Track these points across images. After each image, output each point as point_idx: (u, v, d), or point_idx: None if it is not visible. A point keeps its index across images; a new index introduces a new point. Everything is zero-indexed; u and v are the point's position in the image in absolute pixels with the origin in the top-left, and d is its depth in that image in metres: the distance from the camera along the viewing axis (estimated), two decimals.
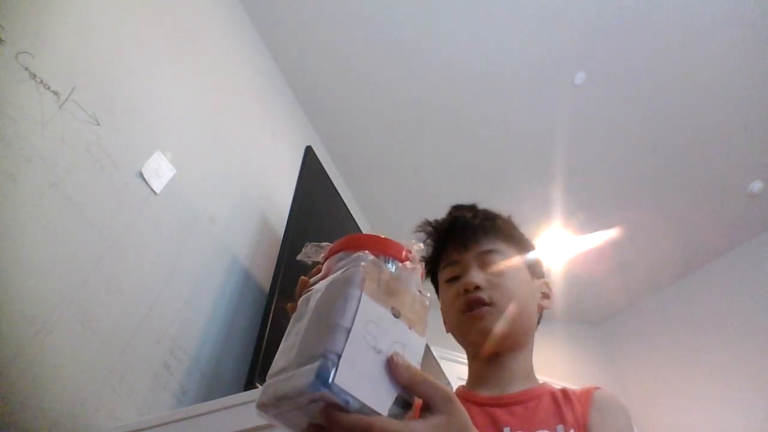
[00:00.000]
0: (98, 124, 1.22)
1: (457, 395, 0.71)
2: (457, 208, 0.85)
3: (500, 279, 0.74)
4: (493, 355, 0.73)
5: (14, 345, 0.91)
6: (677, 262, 3.23)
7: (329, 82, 2.51)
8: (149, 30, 1.54)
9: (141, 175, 1.32)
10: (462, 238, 0.79)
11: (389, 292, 0.40)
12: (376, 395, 0.36)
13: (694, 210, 2.89)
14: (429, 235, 0.84)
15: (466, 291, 0.73)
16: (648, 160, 2.70)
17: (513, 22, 2.25)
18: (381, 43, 2.35)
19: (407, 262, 0.43)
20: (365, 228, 2.80)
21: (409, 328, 0.40)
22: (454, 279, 0.78)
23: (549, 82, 2.44)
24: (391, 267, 0.43)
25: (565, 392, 0.71)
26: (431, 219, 0.85)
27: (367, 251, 0.43)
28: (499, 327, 0.71)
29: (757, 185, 2.72)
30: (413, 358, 0.39)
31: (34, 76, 1.08)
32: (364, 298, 0.38)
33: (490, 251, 0.77)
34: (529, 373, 0.75)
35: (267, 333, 1.28)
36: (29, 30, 1.10)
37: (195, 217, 1.51)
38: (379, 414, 0.35)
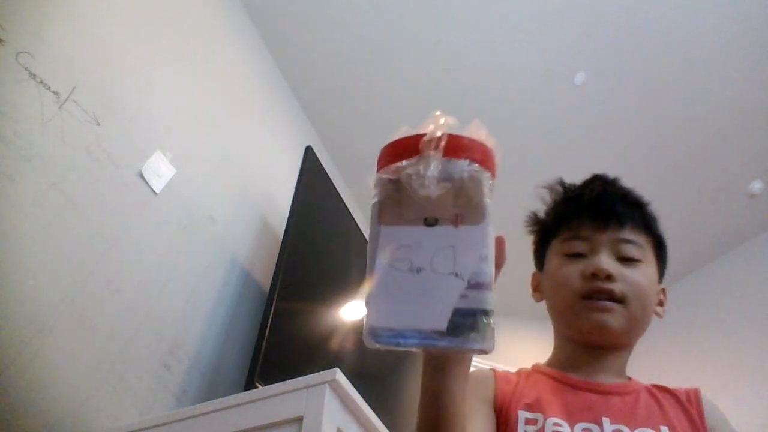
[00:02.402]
0: (98, 124, 1.22)
1: (543, 373, 0.69)
2: (604, 181, 0.76)
3: (635, 275, 0.67)
4: (599, 347, 0.69)
5: (14, 345, 0.91)
6: (677, 262, 3.22)
7: (329, 82, 2.51)
8: (149, 30, 1.54)
9: (141, 175, 1.32)
10: (604, 216, 0.70)
11: (419, 202, 0.37)
12: (432, 313, 0.34)
13: (694, 210, 2.89)
14: (561, 197, 0.76)
15: (594, 276, 0.66)
16: (648, 160, 2.70)
17: (513, 23, 2.25)
18: (381, 44, 2.35)
19: (425, 152, 0.39)
20: (365, 228, 2.80)
21: (456, 225, 0.37)
22: (577, 255, 0.69)
23: (549, 82, 2.44)
24: (415, 169, 0.38)
25: (663, 388, 0.68)
26: (567, 181, 0.76)
27: (381, 170, 0.40)
28: (621, 326, 0.66)
29: (757, 185, 2.72)
30: (471, 252, 0.36)
31: (34, 76, 1.08)
32: (384, 230, 0.37)
33: (630, 241, 0.69)
34: (623, 371, 0.72)
35: (267, 333, 1.28)
36: (29, 30, 1.10)
37: (195, 217, 1.51)
38: (441, 330, 0.34)
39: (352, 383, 0.81)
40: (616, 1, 2.16)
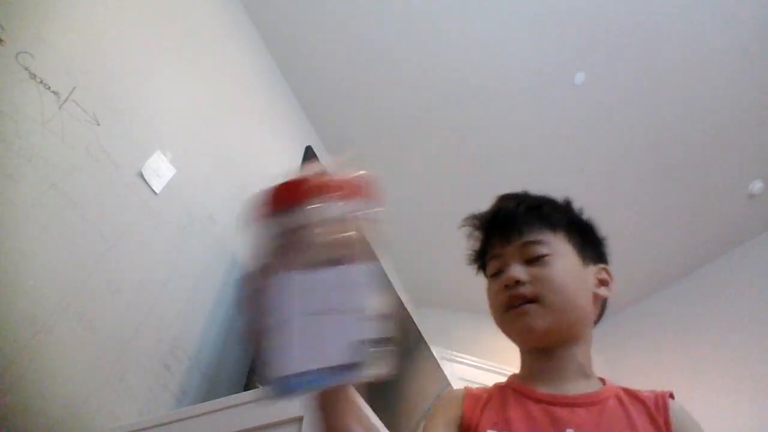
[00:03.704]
0: (98, 124, 1.22)
1: (510, 388, 0.69)
2: (502, 199, 0.80)
3: (544, 271, 0.69)
4: (544, 349, 0.70)
5: (14, 345, 0.91)
6: (677, 262, 3.23)
7: (329, 82, 2.51)
8: (149, 30, 1.54)
9: (141, 175, 1.32)
10: (504, 230, 0.74)
11: (309, 248, 0.38)
12: (336, 349, 0.36)
13: (694, 210, 2.89)
14: (475, 228, 0.80)
15: (507, 287, 0.69)
16: (648, 160, 2.70)
17: (513, 23, 2.25)
18: (381, 44, 2.35)
19: (311, 199, 0.39)
20: None
21: (345, 264, 0.38)
22: (497, 273, 0.73)
23: (549, 82, 2.44)
24: (289, 219, 0.39)
25: (632, 394, 0.67)
26: (477, 212, 0.80)
27: (265, 220, 0.41)
28: (544, 323, 0.67)
29: (757, 185, 2.72)
30: (361, 288, 0.37)
31: (34, 76, 1.08)
32: (278, 279, 0.38)
33: (533, 242, 0.72)
34: (587, 369, 0.71)
35: None
36: (29, 30, 1.10)
37: (195, 217, 1.51)
38: (346, 364, 0.35)
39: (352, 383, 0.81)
40: (616, 1, 2.16)
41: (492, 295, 0.74)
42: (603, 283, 0.76)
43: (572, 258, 0.73)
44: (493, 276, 0.74)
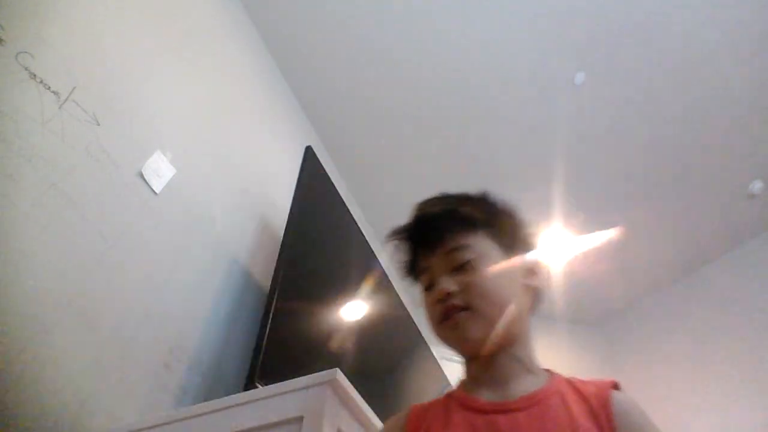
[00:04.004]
0: (98, 124, 1.22)
1: (455, 399, 0.68)
2: (419, 207, 0.77)
3: (471, 278, 0.68)
4: (486, 356, 0.68)
5: (15, 344, 0.91)
6: (677, 262, 3.23)
7: (329, 83, 2.51)
8: (149, 30, 1.54)
9: (141, 175, 1.32)
10: (426, 240, 0.73)
11: None
12: None
13: (694, 210, 2.89)
14: (400, 242, 0.78)
15: (440, 300, 0.68)
16: (648, 160, 2.70)
17: (513, 23, 2.25)
18: (381, 43, 2.35)
19: None
20: (365, 228, 2.80)
21: None
22: (429, 287, 0.72)
23: (549, 82, 2.44)
24: None
25: (575, 389, 0.64)
26: (398, 225, 0.78)
27: None
28: (478, 331, 0.66)
29: (757, 185, 2.72)
30: None
31: (34, 76, 1.08)
32: None
33: (456, 249, 0.70)
34: (531, 366, 0.69)
35: (267, 333, 1.28)
36: (29, 30, 1.10)
37: (195, 217, 1.51)
38: None
39: (352, 383, 0.81)
40: (616, 1, 2.16)
41: (427, 308, 0.72)
42: (532, 273, 0.74)
43: (497, 255, 0.71)
44: (426, 290, 0.73)
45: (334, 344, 1.55)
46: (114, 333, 1.13)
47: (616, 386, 0.64)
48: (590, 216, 2.94)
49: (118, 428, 1.00)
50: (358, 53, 2.39)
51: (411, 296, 3.53)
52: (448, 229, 0.72)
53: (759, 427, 2.47)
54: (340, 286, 1.80)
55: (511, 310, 0.68)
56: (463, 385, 0.71)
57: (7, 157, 0.99)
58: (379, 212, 3.09)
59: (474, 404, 0.65)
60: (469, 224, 0.73)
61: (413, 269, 0.77)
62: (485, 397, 0.66)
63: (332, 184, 2.02)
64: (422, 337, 2.38)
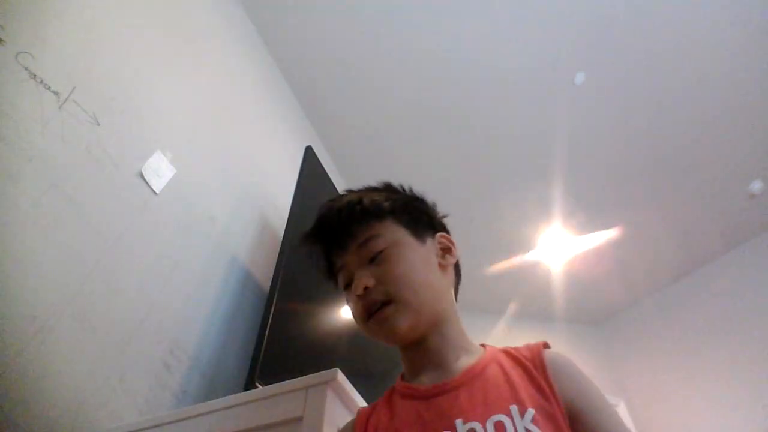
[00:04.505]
0: (98, 124, 1.22)
1: (397, 392, 0.68)
2: (322, 208, 0.76)
3: (387, 268, 0.67)
4: (416, 342, 0.67)
5: (14, 345, 0.91)
6: (677, 262, 3.23)
7: (329, 82, 2.51)
8: (149, 30, 1.54)
9: (141, 175, 1.32)
10: (336, 238, 0.72)
11: None
12: None
13: (694, 210, 2.89)
14: (311, 246, 0.76)
15: (359, 296, 0.67)
16: (648, 160, 2.70)
17: (513, 23, 2.25)
18: (381, 43, 2.35)
19: None
20: None
21: None
22: (349, 285, 0.70)
23: (549, 82, 2.44)
24: None
25: (512, 356, 0.64)
26: (305, 230, 0.77)
27: None
28: (405, 320, 0.64)
29: (757, 185, 2.72)
30: None
31: (34, 76, 1.08)
32: None
33: (367, 240, 0.69)
34: (464, 341, 0.68)
35: (267, 333, 1.28)
36: (29, 30, 1.10)
37: (195, 217, 1.51)
38: None
39: (352, 383, 0.81)
40: (616, 1, 2.16)
41: (351, 307, 0.71)
42: (446, 251, 0.74)
43: (408, 240, 0.71)
44: (346, 288, 0.72)
45: (334, 344, 1.55)
46: (114, 333, 1.13)
47: (546, 346, 0.64)
48: (590, 216, 2.94)
49: (118, 428, 1.00)
50: (358, 54, 2.39)
51: None
52: (356, 222, 0.71)
53: (759, 427, 2.47)
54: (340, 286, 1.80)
55: (432, 292, 0.68)
56: (403, 375, 0.71)
57: (7, 157, 0.99)
58: None
59: (415, 392, 0.64)
60: (376, 213, 0.72)
61: (331, 270, 0.76)
62: (425, 382, 0.65)
63: (332, 184, 2.02)
64: None
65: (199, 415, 0.88)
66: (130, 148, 1.32)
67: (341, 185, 2.67)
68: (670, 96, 2.43)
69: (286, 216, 1.63)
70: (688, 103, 2.45)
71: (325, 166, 2.01)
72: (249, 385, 1.16)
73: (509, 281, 3.28)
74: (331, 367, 0.79)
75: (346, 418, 0.79)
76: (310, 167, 1.82)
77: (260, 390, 0.86)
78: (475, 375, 0.62)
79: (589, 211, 2.91)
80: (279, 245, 1.55)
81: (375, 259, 0.68)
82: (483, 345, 0.69)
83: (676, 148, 2.63)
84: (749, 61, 2.29)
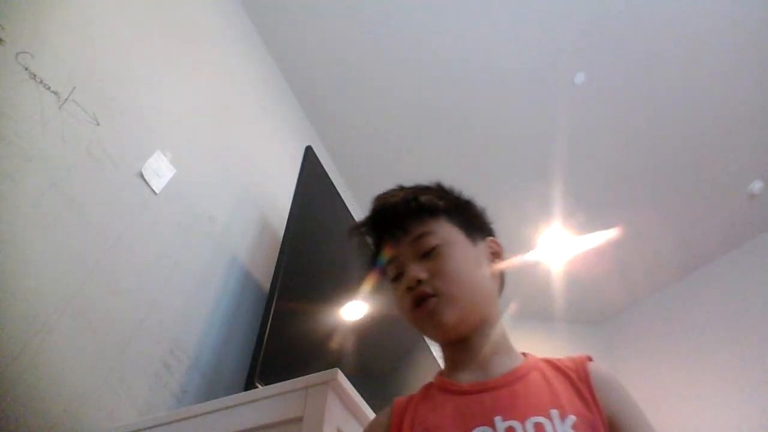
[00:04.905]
0: (98, 124, 1.22)
1: (436, 386, 0.69)
2: (377, 200, 0.79)
3: (440, 263, 0.69)
4: (460, 340, 0.69)
5: (14, 345, 0.91)
6: (677, 262, 3.23)
7: (329, 82, 2.51)
8: (149, 30, 1.54)
9: (141, 175, 1.32)
10: (390, 230, 0.74)
11: None
12: None
13: (694, 210, 2.89)
14: (361, 237, 0.79)
15: (410, 288, 0.68)
16: (648, 160, 2.70)
17: (513, 23, 2.25)
18: (381, 43, 2.35)
19: None
20: None
21: None
22: (397, 277, 0.72)
23: (549, 82, 2.44)
24: None
25: (554, 365, 0.65)
26: (360, 220, 0.79)
27: None
28: (452, 315, 0.66)
29: (757, 185, 2.72)
30: None
31: (34, 76, 1.08)
32: None
33: (421, 236, 0.71)
34: (506, 345, 0.70)
35: (267, 333, 1.28)
36: (29, 30, 1.10)
37: (195, 217, 1.51)
38: None
39: (352, 383, 0.81)
40: (616, 1, 2.16)
41: (398, 299, 0.73)
42: (496, 255, 0.76)
43: (461, 240, 0.73)
44: (395, 280, 0.73)
45: (334, 344, 1.55)
46: (114, 333, 1.13)
47: (590, 359, 0.66)
48: (590, 216, 2.94)
49: (118, 428, 1.00)
50: (358, 53, 2.39)
51: None
52: (410, 217, 0.73)
53: (759, 427, 2.47)
54: (340, 286, 1.80)
55: (480, 292, 0.70)
56: (443, 372, 0.72)
57: (7, 157, 0.99)
58: None
59: (455, 387, 0.66)
60: (431, 211, 0.74)
61: (379, 261, 0.77)
62: (465, 380, 0.66)
63: (332, 184, 2.02)
64: (422, 337, 2.38)
65: (199, 415, 0.88)
66: (130, 148, 1.32)
67: (341, 185, 2.67)
68: (670, 96, 2.43)
69: (286, 216, 1.63)
70: (688, 103, 2.45)
71: (325, 166, 2.01)
72: (249, 385, 1.16)
73: (509, 281, 3.27)
74: (331, 367, 0.79)
75: (346, 418, 0.79)
76: (310, 167, 1.82)
77: (260, 390, 0.86)
78: (516, 378, 0.63)
79: (589, 211, 2.91)
80: (279, 245, 1.55)
81: (427, 255, 0.70)
82: (524, 353, 0.70)
83: (676, 148, 2.63)
84: (749, 61, 2.28)
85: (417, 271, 0.69)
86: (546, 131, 2.61)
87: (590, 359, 0.65)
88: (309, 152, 1.85)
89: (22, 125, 1.03)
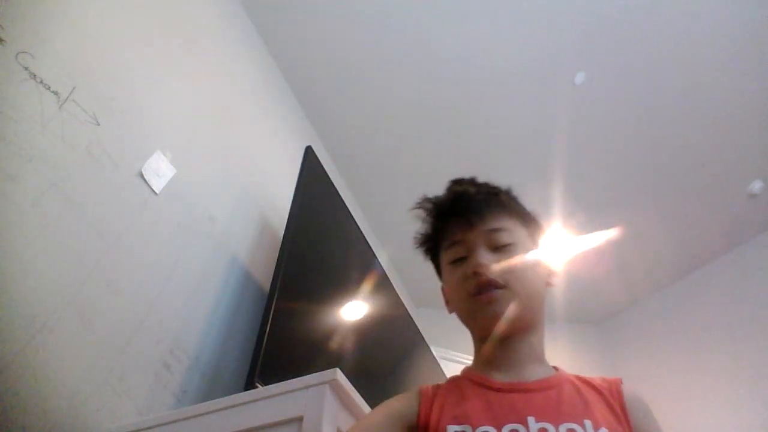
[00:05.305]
0: (98, 124, 1.22)
1: (466, 378, 0.69)
2: (458, 183, 0.80)
3: (511, 260, 0.70)
4: (504, 338, 0.69)
5: (14, 345, 0.91)
6: (677, 262, 3.23)
7: (329, 82, 2.51)
8: (149, 30, 1.54)
9: (141, 175, 1.32)
10: (466, 215, 0.74)
11: None
12: None
13: (694, 210, 2.89)
14: (428, 212, 0.79)
15: (475, 273, 0.69)
16: (648, 160, 2.70)
17: (513, 23, 2.25)
18: (381, 43, 2.35)
19: None
20: (365, 228, 2.80)
21: None
22: (459, 260, 0.73)
23: (549, 82, 2.44)
24: None
25: (585, 381, 0.68)
26: (431, 195, 0.80)
27: None
28: (512, 310, 0.67)
29: (757, 185, 2.72)
30: None
31: (34, 76, 1.08)
32: None
33: (498, 230, 0.72)
34: (541, 357, 0.72)
35: (267, 333, 1.28)
36: (29, 30, 1.10)
37: (195, 217, 1.51)
38: None
39: (352, 383, 0.81)
40: (616, 1, 2.16)
41: (454, 281, 0.73)
42: (552, 274, 0.78)
43: (531, 248, 0.75)
44: (454, 262, 0.74)
45: (334, 344, 1.55)
46: (114, 333, 1.13)
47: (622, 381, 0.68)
48: (590, 216, 2.94)
49: (118, 428, 1.00)
50: (357, 53, 2.39)
51: (411, 296, 3.53)
52: (490, 210, 0.74)
53: (759, 427, 2.47)
54: (340, 286, 1.80)
55: (538, 299, 0.72)
56: (473, 367, 0.73)
57: (7, 157, 0.99)
58: (379, 212, 3.09)
59: (488, 382, 0.67)
60: (509, 211, 0.76)
61: (437, 240, 0.78)
62: (498, 378, 0.67)
63: (332, 184, 2.02)
64: (422, 337, 2.38)
65: (199, 415, 0.89)
66: (130, 148, 1.32)
67: (341, 185, 2.67)
68: (670, 96, 2.43)
69: (286, 216, 1.63)
70: (688, 103, 2.45)
71: (325, 166, 2.01)
72: (249, 385, 1.16)
73: None
74: (331, 367, 0.79)
75: (346, 418, 0.79)
76: (310, 167, 1.82)
77: (260, 390, 0.86)
78: (549, 386, 0.65)
79: (589, 211, 2.91)
80: (279, 245, 1.55)
81: (499, 250, 0.71)
82: (555, 367, 0.72)
83: (676, 148, 2.63)
84: (749, 61, 2.28)
85: (489, 260, 0.70)
86: (546, 131, 2.61)
87: (621, 380, 0.68)
88: (309, 152, 1.85)
89: (22, 125, 1.03)
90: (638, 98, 2.46)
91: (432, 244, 0.80)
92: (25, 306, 0.95)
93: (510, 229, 0.73)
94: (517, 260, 0.70)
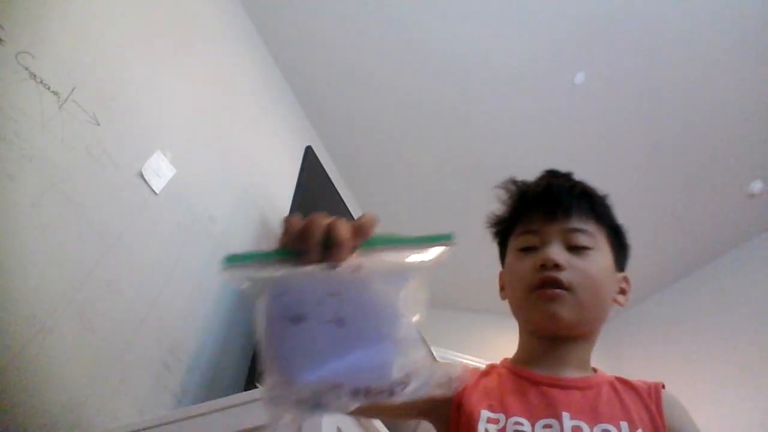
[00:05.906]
0: (98, 124, 1.22)
1: (506, 368, 0.69)
2: (552, 174, 0.78)
3: (584, 263, 0.67)
4: (555, 338, 0.68)
5: (14, 345, 0.91)
6: (677, 262, 3.23)
7: (329, 82, 2.51)
8: (149, 30, 1.54)
9: (141, 175, 1.32)
10: (551, 208, 0.71)
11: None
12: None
13: (693, 210, 2.89)
14: (512, 195, 0.77)
15: (543, 267, 0.66)
16: (648, 160, 2.70)
17: (513, 23, 2.25)
18: (381, 43, 2.35)
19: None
20: None
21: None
22: (529, 249, 0.70)
23: (549, 82, 2.44)
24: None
25: (625, 382, 0.67)
26: (519, 179, 0.78)
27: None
28: (570, 314, 0.65)
29: (757, 185, 2.72)
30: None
31: (34, 76, 1.08)
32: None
33: (579, 230, 0.69)
34: (586, 363, 0.70)
35: None
36: (29, 30, 1.10)
37: (195, 217, 1.51)
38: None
39: None
40: (616, 1, 2.16)
41: (519, 269, 0.70)
42: (623, 291, 0.76)
43: (609, 259, 0.72)
44: (524, 250, 0.71)
45: None
46: (114, 333, 1.13)
47: (663, 386, 0.68)
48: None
49: (118, 428, 1.00)
50: (358, 53, 2.39)
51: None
52: (578, 209, 0.72)
53: (759, 427, 2.47)
54: None
55: (601, 310, 0.70)
56: (516, 358, 0.72)
57: (7, 157, 0.99)
58: (379, 212, 3.07)
59: (527, 374, 0.66)
60: (597, 217, 0.73)
61: (512, 224, 0.76)
62: (538, 372, 0.67)
63: (332, 184, 2.02)
64: (421, 336, 2.38)
65: (199, 415, 0.89)
66: (130, 148, 1.32)
67: (341, 185, 2.67)
68: (670, 96, 2.43)
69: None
70: (688, 103, 2.45)
71: (325, 166, 2.01)
72: (249, 385, 1.16)
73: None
74: None
75: (345, 417, 0.79)
76: (310, 167, 1.82)
77: (260, 390, 0.86)
78: (588, 386, 0.65)
79: None
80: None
81: (574, 250, 0.69)
82: (594, 369, 0.72)
83: (676, 147, 2.63)
84: (750, 60, 2.28)
85: (561, 257, 0.67)
86: (546, 131, 2.61)
87: (663, 384, 0.69)
88: (309, 152, 1.85)
89: (22, 125, 1.03)
90: (638, 98, 2.45)
91: (505, 227, 0.77)
92: (25, 306, 0.95)
93: (592, 234, 0.70)
94: (590, 265, 0.67)
